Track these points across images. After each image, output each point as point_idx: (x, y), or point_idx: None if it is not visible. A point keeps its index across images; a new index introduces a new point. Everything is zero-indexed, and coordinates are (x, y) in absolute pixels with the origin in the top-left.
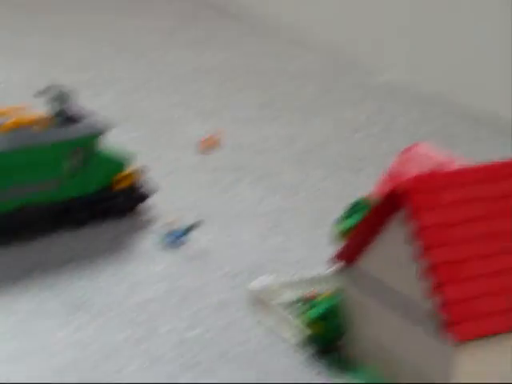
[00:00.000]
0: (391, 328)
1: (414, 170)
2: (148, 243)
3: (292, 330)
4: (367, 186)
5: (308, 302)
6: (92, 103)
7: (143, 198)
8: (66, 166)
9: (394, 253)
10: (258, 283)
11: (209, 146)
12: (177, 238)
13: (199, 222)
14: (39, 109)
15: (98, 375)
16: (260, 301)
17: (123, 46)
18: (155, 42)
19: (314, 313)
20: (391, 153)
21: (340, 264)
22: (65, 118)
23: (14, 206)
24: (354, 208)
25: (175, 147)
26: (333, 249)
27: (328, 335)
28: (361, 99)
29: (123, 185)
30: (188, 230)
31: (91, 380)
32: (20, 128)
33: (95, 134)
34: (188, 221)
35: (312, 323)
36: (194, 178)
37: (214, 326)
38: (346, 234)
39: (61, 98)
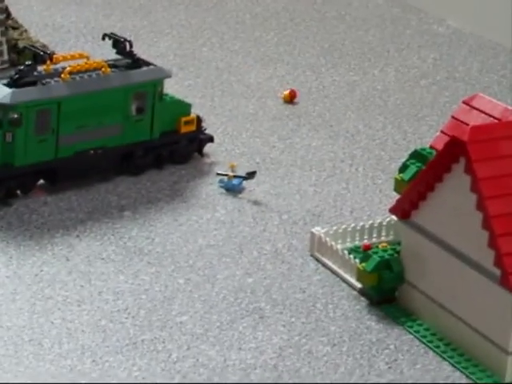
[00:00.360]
0: (447, 279)
1: (473, 121)
2: (207, 189)
3: (354, 275)
4: (428, 135)
5: (363, 252)
6: (149, 51)
7: (204, 144)
8: (130, 111)
9: (452, 204)
10: (317, 230)
11: (286, 98)
12: (235, 185)
13: (256, 171)
14: (100, 54)
15: (156, 320)
16: (322, 245)
17: None
18: None
19: (370, 264)
20: (453, 102)
21: (396, 215)
22: (127, 63)
23: (77, 150)
24: (415, 157)
25: (234, 95)
26: (392, 198)
27: (383, 287)
28: (423, 47)
29: (186, 130)
30: (246, 178)
31: (149, 325)
32: (82, 73)
33: (159, 79)
34: (246, 168)
35: (367, 274)
36: (254, 126)
37: (273, 273)
38: (405, 183)
39: (122, 44)
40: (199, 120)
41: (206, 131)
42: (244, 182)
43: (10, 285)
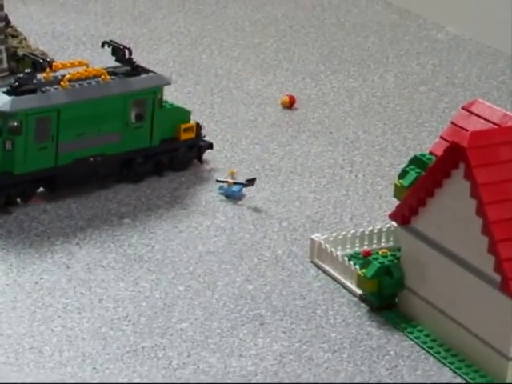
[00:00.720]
0: (447, 285)
1: (472, 127)
2: (207, 196)
3: (355, 281)
4: (428, 141)
5: (363, 258)
6: (148, 58)
7: (204, 150)
8: (129, 118)
9: (451, 209)
10: (317, 237)
11: (285, 103)
12: (235, 191)
13: (255, 178)
14: (99, 62)
15: (156, 327)
16: (322, 252)
17: (180, 0)
18: None
19: (370, 270)
20: (452, 108)
21: (396, 222)
22: (126, 70)
23: (76, 158)
24: (414, 163)
25: (233, 102)
26: (391, 204)
27: (383, 293)
28: (422, 53)
29: (186, 137)
30: (246, 185)
31: (150, 332)
32: (82, 81)
33: (159, 86)
34: (246, 175)
35: (367, 281)
36: (253, 133)
37: (273, 280)
38: (405, 189)
39: (121, 51)
40: (199, 127)
41: (206, 138)
42: (244, 189)
43: (10, 293)
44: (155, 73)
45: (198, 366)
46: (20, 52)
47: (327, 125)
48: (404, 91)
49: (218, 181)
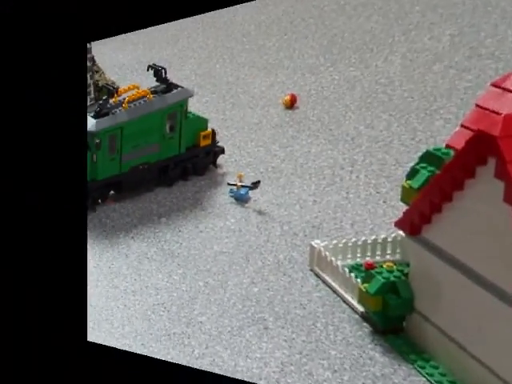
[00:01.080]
0: (468, 313)
1: (507, 109)
2: (220, 199)
3: (356, 296)
4: (444, 131)
5: (366, 271)
6: (177, 75)
7: (218, 155)
8: (165, 130)
9: (476, 217)
10: (317, 243)
11: (287, 103)
12: (242, 194)
13: (259, 181)
14: (146, 83)
15: (183, 317)
16: (321, 260)
17: (194, 19)
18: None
19: (373, 286)
20: (477, 87)
21: (403, 231)
22: (163, 88)
23: (131, 166)
24: (426, 160)
25: (241, 106)
26: (398, 210)
27: (389, 313)
28: (436, 24)
29: (204, 143)
30: (251, 188)
31: (179, 320)
32: (135, 101)
33: (185, 99)
34: (252, 178)
35: (370, 297)
36: (257, 135)
37: (275, 285)
38: (414, 192)
39: (159, 72)
40: (214, 133)
41: (219, 143)
42: (250, 192)
43: (95, 274)
44: (182, 87)
45: (214, 359)
46: (100, 83)
47: (327, 121)
48: (413, 73)
49: (228, 184)
